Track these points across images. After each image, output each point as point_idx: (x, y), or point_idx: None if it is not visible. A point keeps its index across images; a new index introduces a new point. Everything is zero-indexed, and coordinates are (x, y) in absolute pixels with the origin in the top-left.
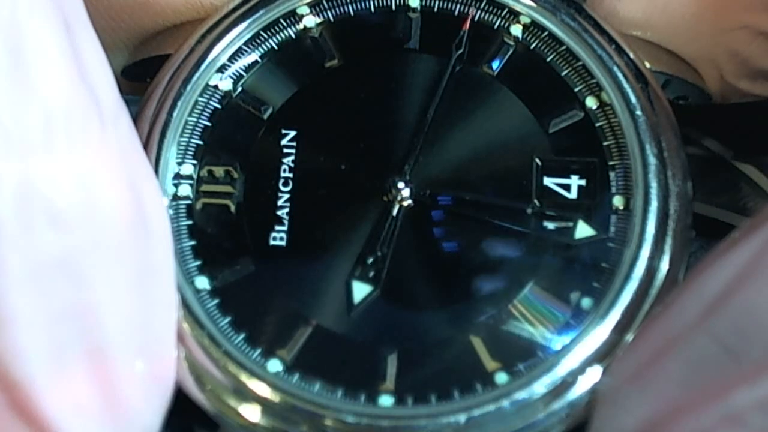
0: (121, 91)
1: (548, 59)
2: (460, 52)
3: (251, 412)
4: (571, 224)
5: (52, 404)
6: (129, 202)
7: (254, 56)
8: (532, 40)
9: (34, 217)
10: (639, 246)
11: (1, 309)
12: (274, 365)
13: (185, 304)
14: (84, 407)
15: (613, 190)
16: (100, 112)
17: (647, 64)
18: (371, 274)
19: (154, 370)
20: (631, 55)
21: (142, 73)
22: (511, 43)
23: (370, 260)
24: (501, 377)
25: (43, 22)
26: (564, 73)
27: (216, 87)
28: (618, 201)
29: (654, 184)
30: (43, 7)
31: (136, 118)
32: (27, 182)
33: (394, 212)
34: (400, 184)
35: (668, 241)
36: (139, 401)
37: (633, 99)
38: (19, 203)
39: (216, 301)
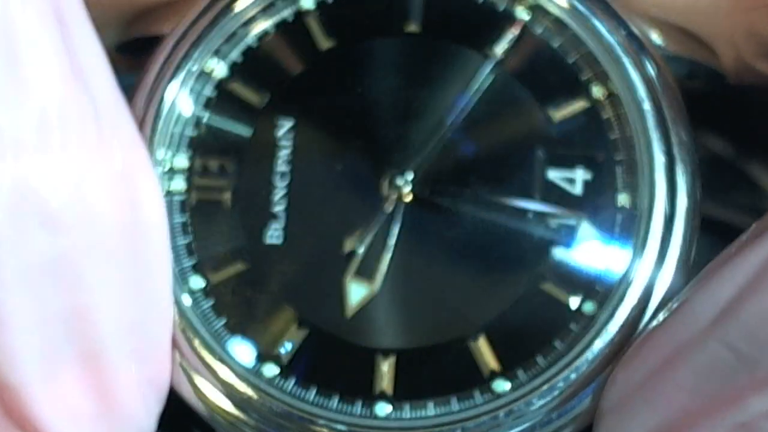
0: (117, 71)
1: (554, 45)
2: (498, 59)
3: (245, 417)
4: (574, 223)
5: (46, 408)
6: (125, 203)
7: (250, 40)
8: (538, 25)
9: (27, 218)
10: (643, 246)
11: None
12: (270, 370)
13: (179, 306)
14: (78, 411)
15: (619, 186)
16: (96, 110)
17: (660, 42)
18: (355, 268)
19: (148, 373)
20: (644, 43)
21: (138, 50)
22: None
23: (348, 251)
24: (500, 384)
25: (35, 19)
26: (571, 60)
27: (210, 73)
28: (623, 198)
29: (660, 182)
30: (36, 3)
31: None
32: (21, 182)
33: (391, 209)
34: (400, 181)
35: (674, 242)
36: (134, 404)
37: (641, 91)
38: (13, 203)
39: (210, 302)
